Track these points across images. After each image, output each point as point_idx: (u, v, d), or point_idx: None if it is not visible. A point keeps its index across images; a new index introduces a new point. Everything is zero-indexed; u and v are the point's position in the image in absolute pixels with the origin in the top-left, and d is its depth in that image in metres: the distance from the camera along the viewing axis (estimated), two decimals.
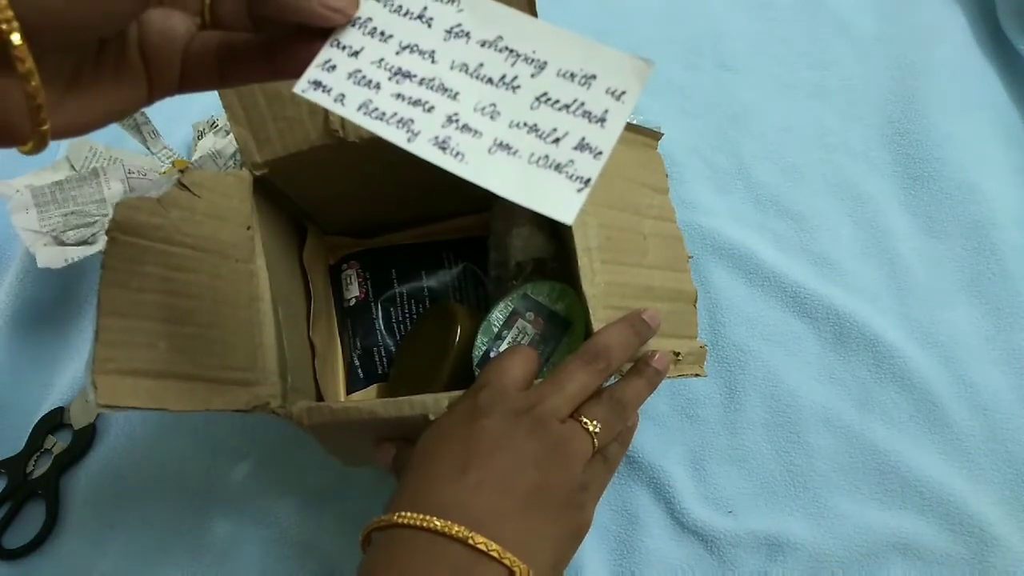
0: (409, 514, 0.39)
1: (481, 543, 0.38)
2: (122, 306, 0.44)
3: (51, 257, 0.65)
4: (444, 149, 0.34)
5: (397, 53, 0.35)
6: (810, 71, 0.79)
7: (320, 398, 0.61)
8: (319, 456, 0.64)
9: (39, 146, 0.31)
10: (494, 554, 0.38)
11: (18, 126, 0.30)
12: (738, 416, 0.66)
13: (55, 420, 0.69)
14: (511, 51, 0.35)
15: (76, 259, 0.66)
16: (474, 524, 0.38)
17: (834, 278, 0.69)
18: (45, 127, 0.30)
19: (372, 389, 0.67)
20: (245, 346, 0.49)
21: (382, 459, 0.50)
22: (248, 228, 0.53)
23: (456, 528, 0.38)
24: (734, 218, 0.73)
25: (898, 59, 0.78)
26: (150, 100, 0.35)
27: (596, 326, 0.48)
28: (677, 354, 0.50)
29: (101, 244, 0.67)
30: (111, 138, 0.78)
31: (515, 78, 0.35)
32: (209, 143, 0.74)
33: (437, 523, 0.38)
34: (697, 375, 0.51)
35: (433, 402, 0.45)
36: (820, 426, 0.64)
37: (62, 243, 0.67)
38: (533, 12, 0.50)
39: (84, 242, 0.67)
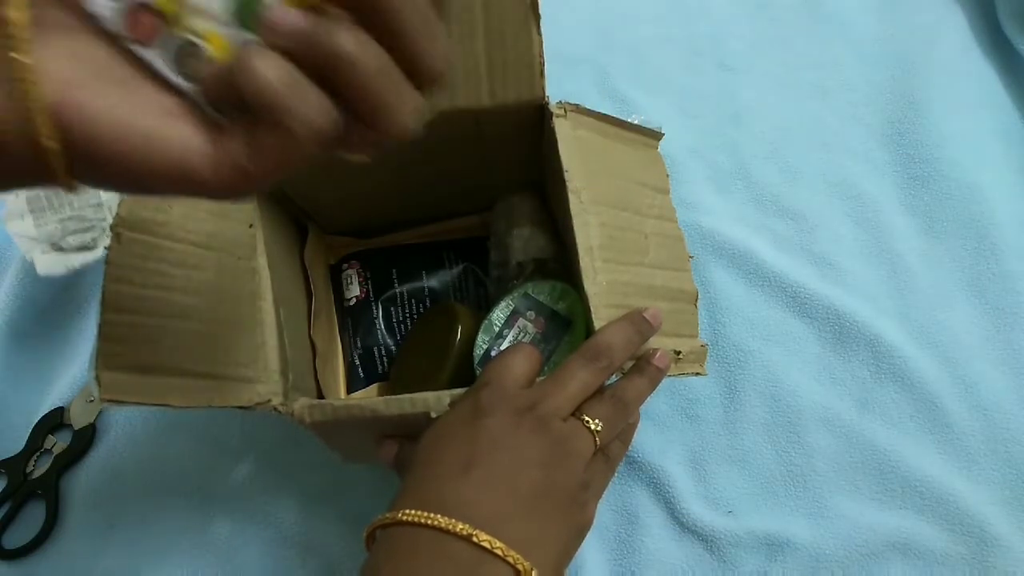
0: (413, 512, 0.39)
1: (485, 541, 0.38)
2: (126, 302, 0.44)
3: (51, 265, 0.65)
4: None
5: None
6: (810, 71, 0.79)
7: (321, 397, 0.61)
8: (319, 456, 0.64)
9: None
10: (498, 552, 0.38)
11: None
12: (738, 416, 0.66)
13: (55, 420, 0.69)
14: None
15: (78, 266, 0.65)
16: (478, 522, 0.38)
17: (834, 278, 0.69)
18: None
19: (372, 389, 0.67)
20: (247, 344, 0.49)
21: (384, 456, 0.50)
22: (250, 226, 0.53)
23: (460, 526, 0.38)
24: (734, 218, 0.73)
25: (898, 59, 0.78)
26: None
27: (597, 325, 0.48)
28: (678, 353, 0.50)
29: (102, 250, 0.66)
30: None
31: None
32: None
33: (441, 521, 0.38)
34: (698, 374, 0.51)
35: (435, 400, 0.46)
36: (820, 426, 0.65)
37: (61, 249, 0.66)
38: (536, 14, 0.51)
39: (84, 247, 0.67)
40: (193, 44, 0.27)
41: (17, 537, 0.65)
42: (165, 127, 0.27)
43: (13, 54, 0.25)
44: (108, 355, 0.42)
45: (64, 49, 0.27)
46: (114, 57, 0.28)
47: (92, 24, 0.28)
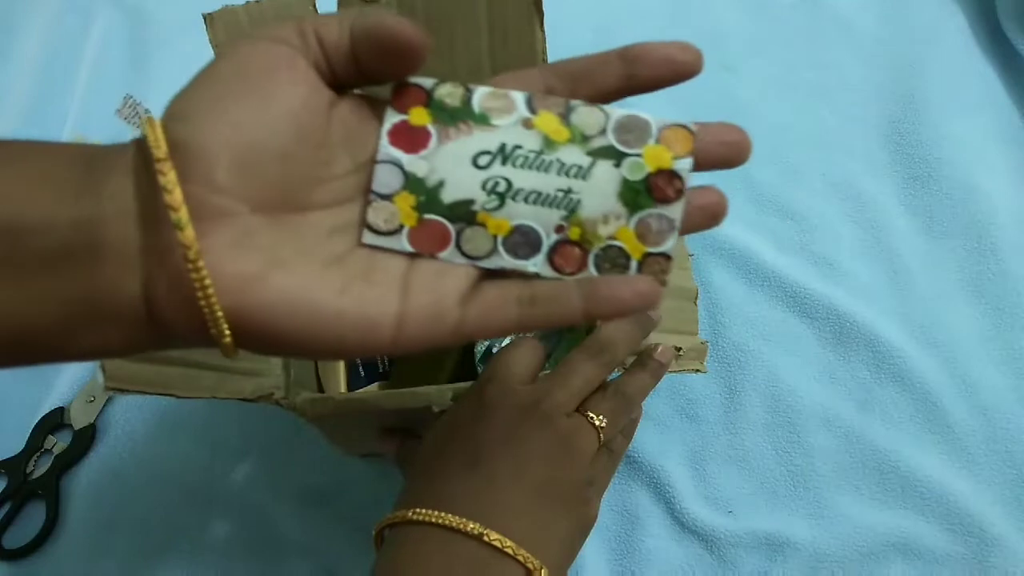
0: (424, 511, 0.39)
1: (496, 540, 0.38)
2: None
3: None
4: None
5: None
6: (810, 71, 0.79)
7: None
8: (319, 456, 0.64)
9: None
10: (508, 551, 0.38)
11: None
12: (738, 416, 0.66)
13: (55, 420, 0.68)
14: None
15: None
16: (487, 520, 0.38)
17: (834, 278, 0.69)
18: None
19: (373, 387, 0.67)
20: None
21: (386, 450, 0.50)
22: None
23: (471, 525, 0.38)
24: (734, 218, 0.72)
25: (898, 59, 0.78)
26: None
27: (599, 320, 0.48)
28: (679, 349, 0.50)
29: None
30: (111, 139, 0.78)
31: None
32: None
33: (452, 520, 0.38)
34: (698, 371, 0.51)
35: (437, 393, 0.46)
36: (820, 426, 0.65)
37: None
38: (539, 11, 0.51)
39: None
40: (611, 247, 0.31)
41: (17, 537, 0.65)
42: (355, 303, 0.27)
43: (188, 263, 0.24)
44: None
45: (229, 239, 0.25)
46: (272, 231, 0.26)
47: (244, 199, 0.26)
